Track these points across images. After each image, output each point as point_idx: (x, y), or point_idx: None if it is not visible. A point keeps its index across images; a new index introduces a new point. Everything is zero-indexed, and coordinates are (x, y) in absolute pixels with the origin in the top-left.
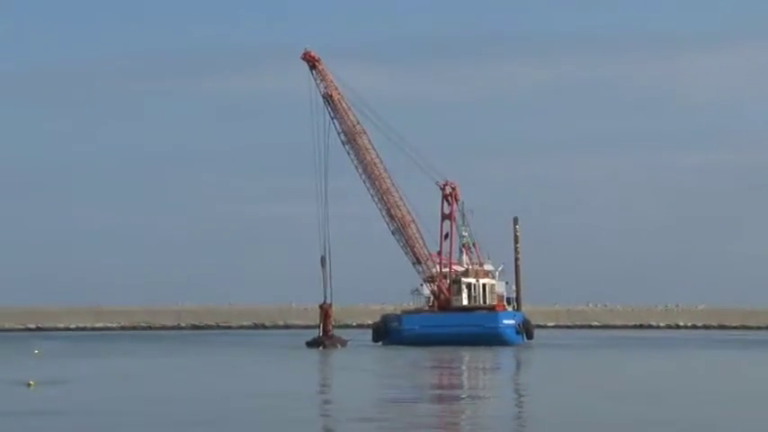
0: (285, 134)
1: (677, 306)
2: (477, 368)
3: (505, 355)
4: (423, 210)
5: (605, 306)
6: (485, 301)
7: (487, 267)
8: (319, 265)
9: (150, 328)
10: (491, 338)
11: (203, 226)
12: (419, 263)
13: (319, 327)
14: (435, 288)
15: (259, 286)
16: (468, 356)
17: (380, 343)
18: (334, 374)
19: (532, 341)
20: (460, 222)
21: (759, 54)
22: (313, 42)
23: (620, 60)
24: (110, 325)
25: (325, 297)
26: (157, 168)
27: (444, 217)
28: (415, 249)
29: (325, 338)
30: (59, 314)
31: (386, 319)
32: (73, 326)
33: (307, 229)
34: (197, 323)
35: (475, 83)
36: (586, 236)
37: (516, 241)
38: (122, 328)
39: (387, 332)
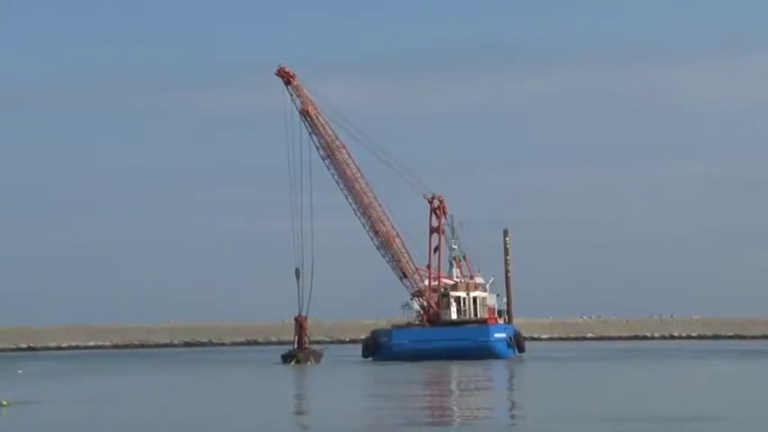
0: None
1: (672, 316)
2: (467, 385)
3: (496, 370)
4: (412, 224)
5: (599, 317)
6: (476, 315)
7: (478, 280)
8: (294, 278)
9: (143, 345)
10: (482, 352)
11: (196, 243)
12: (406, 277)
13: (294, 340)
14: (424, 302)
15: (252, 303)
16: (457, 372)
17: (370, 358)
18: (314, 395)
19: (524, 354)
20: (450, 235)
21: (765, 64)
22: (307, 55)
23: (622, 70)
24: (102, 343)
25: (300, 309)
26: (149, 185)
27: (433, 230)
28: (401, 264)
29: (298, 351)
30: (52, 333)
31: (375, 335)
32: (65, 345)
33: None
34: (190, 340)
35: (466, 95)
36: (581, 247)
37: (507, 253)
38: (115, 346)
39: (376, 347)
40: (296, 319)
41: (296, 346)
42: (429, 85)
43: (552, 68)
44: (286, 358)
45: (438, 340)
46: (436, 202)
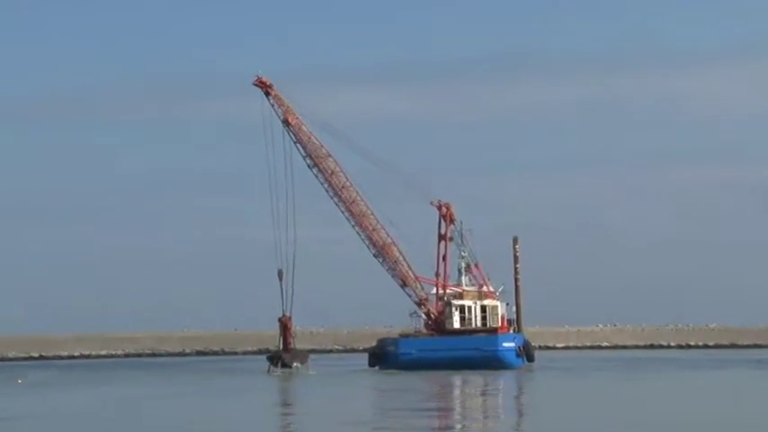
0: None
1: (688, 325)
2: (471, 398)
3: (503, 382)
4: (419, 232)
5: (615, 326)
6: (484, 324)
7: (490, 288)
8: (277, 279)
9: (155, 354)
10: (490, 362)
11: (208, 251)
12: (406, 285)
13: (279, 341)
14: (426, 311)
15: (265, 312)
16: (462, 383)
17: (377, 368)
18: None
19: (533, 364)
20: (459, 243)
21: None
22: (318, 63)
23: (634, 76)
24: (114, 352)
25: (284, 310)
26: (160, 192)
27: (441, 237)
28: (401, 273)
29: (284, 353)
30: (64, 342)
31: (382, 344)
32: (77, 354)
33: (311, 253)
34: (202, 349)
35: (478, 103)
36: (596, 255)
37: (516, 261)
38: (127, 355)
39: (383, 357)
40: (280, 321)
41: (282, 347)
42: (438, 93)
43: (564, 76)
44: (272, 360)
45: (445, 349)
46: (444, 210)
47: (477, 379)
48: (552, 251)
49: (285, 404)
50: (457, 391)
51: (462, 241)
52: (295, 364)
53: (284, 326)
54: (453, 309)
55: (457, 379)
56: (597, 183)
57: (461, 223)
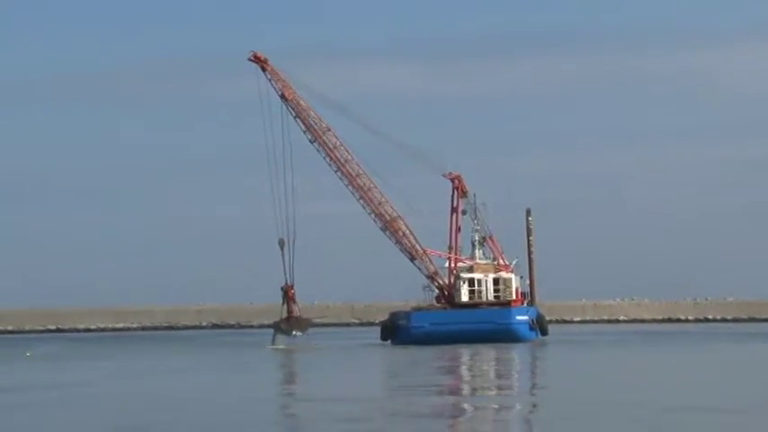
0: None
1: (707, 299)
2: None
3: (516, 355)
4: (434, 205)
5: (633, 300)
6: (497, 297)
7: (506, 262)
8: (278, 248)
9: (171, 328)
10: (503, 335)
11: (223, 225)
12: (414, 259)
13: (282, 310)
14: (437, 285)
15: (279, 285)
16: (475, 357)
17: (389, 342)
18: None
19: (547, 337)
20: (473, 216)
21: None
22: (349, 36)
23: (658, 51)
24: (130, 325)
25: (287, 279)
26: (176, 169)
27: (454, 210)
28: (408, 246)
29: (282, 322)
30: (80, 315)
31: (394, 317)
32: (93, 327)
33: (327, 228)
34: (218, 322)
35: (503, 78)
36: (615, 229)
37: (529, 234)
38: (143, 328)
39: (395, 330)
40: (282, 289)
41: (285, 315)
42: (465, 68)
43: (585, 51)
44: (277, 328)
45: (458, 323)
46: (456, 182)
47: (488, 352)
48: (570, 225)
49: (282, 382)
50: (464, 367)
51: (476, 214)
52: (294, 333)
53: (286, 294)
54: (462, 282)
55: (466, 353)
56: (618, 157)
57: (474, 196)
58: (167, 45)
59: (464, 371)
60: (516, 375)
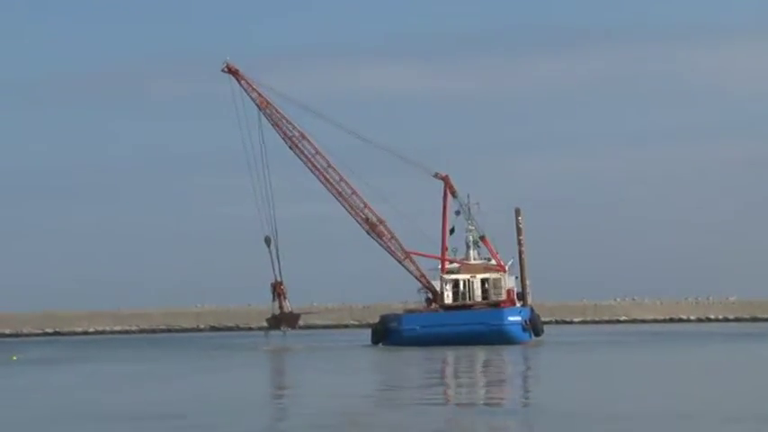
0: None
1: (708, 298)
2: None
3: (505, 358)
4: (425, 207)
5: (633, 300)
6: (485, 298)
7: (501, 262)
8: (264, 245)
9: (169, 330)
10: (495, 337)
11: (221, 226)
12: (402, 261)
13: (272, 307)
14: (425, 286)
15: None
16: (458, 361)
17: (380, 344)
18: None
19: (541, 338)
20: (466, 216)
21: None
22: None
23: (654, 50)
24: (129, 328)
25: (275, 276)
26: (175, 169)
27: (444, 211)
28: (392, 249)
29: (271, 318)
30: (78, 318)
31: (385, 320)
32: (92, 330)
33: (326, 228)
34: (216, 324)
35: (503, 78)
36: (615, 230)
37: (519, 233)
38: (141, 331)
39: (386, 333)
40: (272, 285)
41: (277, 312)
42: (461, 66)
43: (580, 50)
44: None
45: (450, 325)
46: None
47: (476, 355)
48: (570, 225)
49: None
50: (449, 370)
51: (470, 214)
52: (282, 329)
53: (274, 290)
54: (445, 284)
55: (451, 355)
56: (618, 157)
57: (468, 197)
58: (167, 45)
59: (436, 379)
60: (497, 383)
